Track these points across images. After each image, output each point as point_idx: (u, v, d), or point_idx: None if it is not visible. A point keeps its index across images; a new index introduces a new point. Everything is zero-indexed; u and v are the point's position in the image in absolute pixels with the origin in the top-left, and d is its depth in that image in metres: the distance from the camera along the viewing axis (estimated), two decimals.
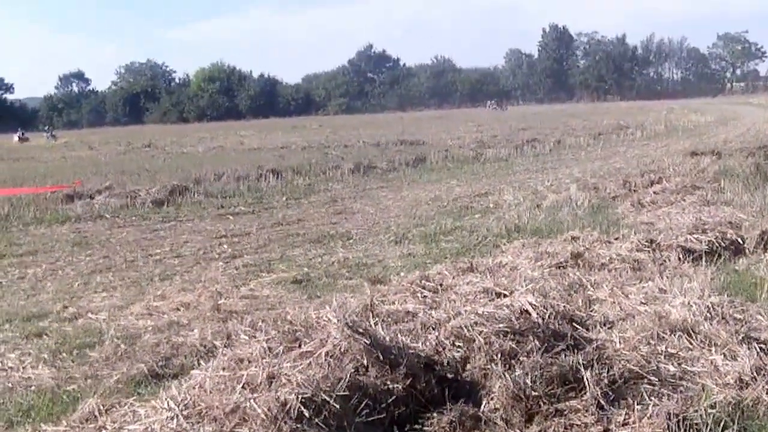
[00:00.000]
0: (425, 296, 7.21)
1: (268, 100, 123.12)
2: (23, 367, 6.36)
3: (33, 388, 5.87)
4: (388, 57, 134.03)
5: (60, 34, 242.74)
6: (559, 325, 5.76)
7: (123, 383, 5.78)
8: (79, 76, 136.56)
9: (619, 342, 5.62)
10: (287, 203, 16.90)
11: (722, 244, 9.09)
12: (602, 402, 4.70)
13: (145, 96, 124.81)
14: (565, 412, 4.67)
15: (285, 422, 4.22)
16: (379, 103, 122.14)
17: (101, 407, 5.00)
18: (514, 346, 5.26)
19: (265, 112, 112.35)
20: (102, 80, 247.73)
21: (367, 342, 4.92)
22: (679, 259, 8.45)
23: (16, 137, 66.44)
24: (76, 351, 6.68)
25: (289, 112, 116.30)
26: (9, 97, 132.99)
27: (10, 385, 5.97)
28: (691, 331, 5.63)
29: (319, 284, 8.89)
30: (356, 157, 25.66)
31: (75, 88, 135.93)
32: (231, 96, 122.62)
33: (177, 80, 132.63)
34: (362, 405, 4.54)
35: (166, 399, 4.59)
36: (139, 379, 5.85)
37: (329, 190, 19.03)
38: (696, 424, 4.49)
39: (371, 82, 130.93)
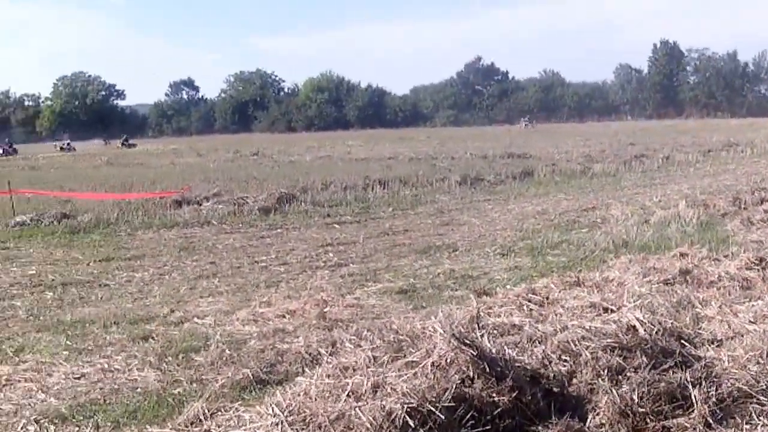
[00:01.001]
0: (531, 309, 7.21)
1: (376, 110, 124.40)
2: (129, 369, 6.58)
3: (139, 390, 6.05)
4: (497, 70, 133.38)
5: (171, 45, 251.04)
6: (666, 341, 5.68)
7: (228, 388, 5.89)
8: (189, 84, 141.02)
9: (728, 361, 5.52)
10: (393, 214, 16.99)
11: None
12: (710, 420, 4.65)
13: (253, 105, 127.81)
14: (672, 430, 4.62)
15: None
16: (487, 116, 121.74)
17: (206, 411, 5.15)
18: (621, 361, 5.21)
19: (372, 123, 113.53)
20: (211, 88, 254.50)
21: (474, 353, 4.89)
22: None
23: (118, 142, 69.65)
24: (181, 355, 6.86)
25: (397, 123, 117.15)
26: (120, 103, 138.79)
27: (116, 386, 6.18)
28: None
29: (425, 295, 8.91)
30: (463, 169, 25.65)
31: (185, 96, 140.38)
32: (339, 106, 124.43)
33: (286, 90, 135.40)
34: (467, 417, 4.52)
35: (270, 405, 4.66)
36: (244, 385, 5.96)
37: (436, 201, 19.04)
38: None
39: (479, 95, 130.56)
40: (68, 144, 68.70)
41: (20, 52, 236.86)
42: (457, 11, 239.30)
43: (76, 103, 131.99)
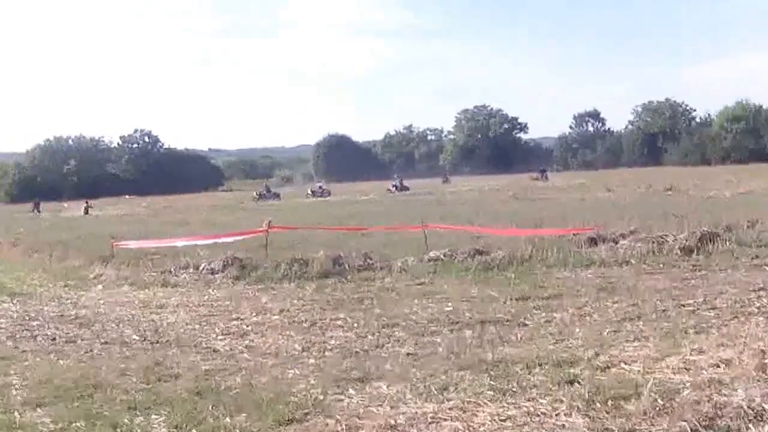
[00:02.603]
0: None
1: None
2: (557, 414, 6.63)
3: None
4: None
5: (574, 76, 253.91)
6: None
7: None
8: (595, 116, 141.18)
9: None
10: None
11: None
12: None
13: (663, 136, 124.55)
14: None
15: None
16: None
17: None
18: None
19: None
20: (617, 120, 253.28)
21: None
22: None
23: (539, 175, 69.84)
24: (611, 402, 6.77)
25: None
26: (523, 136, 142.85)
27: (543, 431, 6.30)
28: None
29: None
30: None
31: (590, 128, 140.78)
32: (757, 136, 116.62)
33: (697, 119, 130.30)
34: None
35: None
36: None
37: None
38: None
39: None
40: (321, 188, 68.24)
41: (421, 86, 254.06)
42: None
43: (479, 136, 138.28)
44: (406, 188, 65.64)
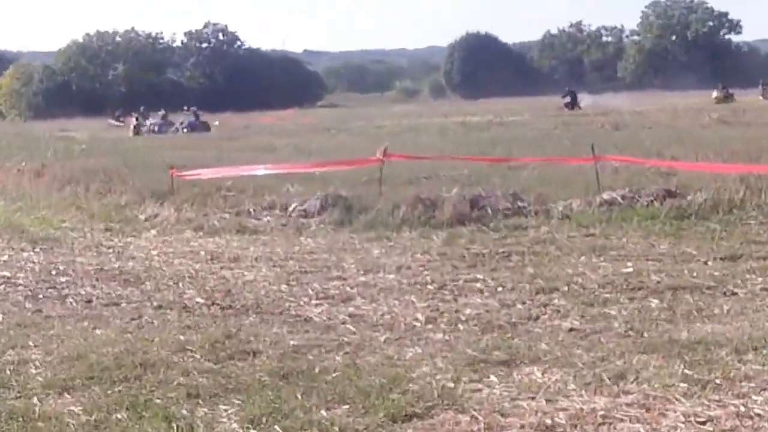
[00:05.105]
0: None
1: None
2: None
3: None
4: None
5: None
6: None
7: None
8: None
9: None
10: None
11: None
12: None
13: None
14: None
15: None
16: None
17: None
18: None
19: None
20: None
21: None
22: None
23: None
24: None
25: None
26: (734, 38, 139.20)
27: None
28: None
29: None
30: None
31: None
32: None
33: None
34: None
35: None
36: None
37: None
38: None
39: None
40: None
41: None
42: None
43: (673, 38, 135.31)
44: (578, 105, 65.28)
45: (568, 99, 67.74)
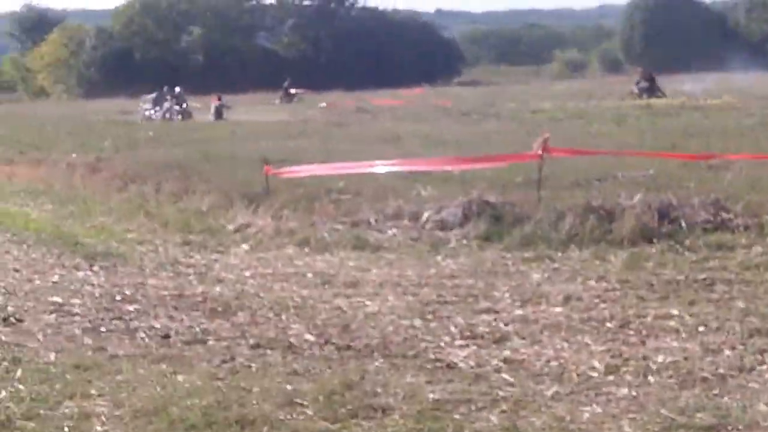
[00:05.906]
0: None
1: None
2: None
3: None
4: None
5: None
6: None
7: None
8: None
9: None
10: None
11: None
12: None
13: None
14: None
15: None
16: None
17: None
18: None
19: None
20: None
21: None
22: None
23: None
24: None
25: None
26: None
27: None
28: None
29: None
30: None
31: None
32: None
33: None
34: None
35: None
36: None
37: None
38: None
39: None
40: None
41: None
42: None
43: None
44: (660, 92, 61.20)
45: (643, 83, 61.15)
